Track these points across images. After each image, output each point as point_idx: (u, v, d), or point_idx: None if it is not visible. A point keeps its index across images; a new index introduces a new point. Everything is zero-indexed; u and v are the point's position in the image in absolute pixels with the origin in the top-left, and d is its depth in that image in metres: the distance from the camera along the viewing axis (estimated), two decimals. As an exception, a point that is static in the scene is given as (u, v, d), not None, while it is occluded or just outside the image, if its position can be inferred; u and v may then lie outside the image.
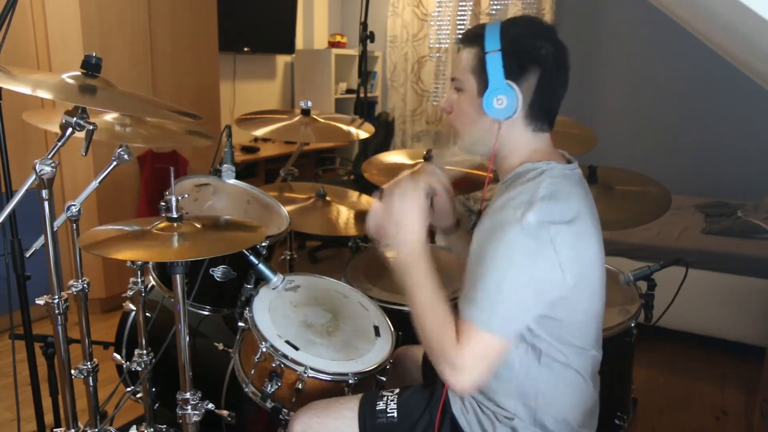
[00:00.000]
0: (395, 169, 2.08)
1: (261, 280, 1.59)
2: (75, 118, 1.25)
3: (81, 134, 1.28)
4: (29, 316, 1.64)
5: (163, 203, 1.32)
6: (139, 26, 3.11)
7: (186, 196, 1.61)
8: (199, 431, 1.37)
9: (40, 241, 1.44)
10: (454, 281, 1.90)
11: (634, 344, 1.75)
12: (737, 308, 2.76)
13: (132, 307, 1.75)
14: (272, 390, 1.38)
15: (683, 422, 2.34)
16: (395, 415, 1.21)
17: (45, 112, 1.87)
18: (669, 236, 3.03)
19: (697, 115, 3.99)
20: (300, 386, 1.37)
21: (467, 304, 1.02)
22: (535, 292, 1.01)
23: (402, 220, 1.08)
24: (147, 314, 1.70)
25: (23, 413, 1.97)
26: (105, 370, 1.85)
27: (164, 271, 1.61)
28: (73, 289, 1.51)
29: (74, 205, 1.43)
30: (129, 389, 1.79)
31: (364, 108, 3.00)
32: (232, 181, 1.78)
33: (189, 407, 1.33)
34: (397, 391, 1.26)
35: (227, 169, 1.77)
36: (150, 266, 1.68)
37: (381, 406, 1.23)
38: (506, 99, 1.04)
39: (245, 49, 4.35)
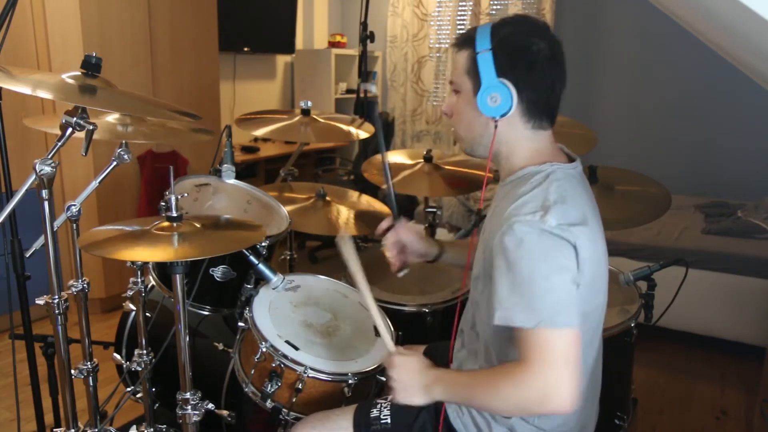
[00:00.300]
0: (395, 169, 2.08)
1: (261, 280, 1.59)
2: (75, 118, 1.25)
3: (81, 134, 1.28)
4: (29, 316, 1.64)
5: (163, 203, 1.32)
6: (139, 26, 3.11)
7: (186, 195, 1.61)
8: (199, 431, 1.37)
9: (40, 241, 1.44)
10: (454, 281, 1.91)
11: (634, 344, 1.75)
12: (737, 308, 2.76)
13: (132, 307, 1.75)
14: (272, 390, 1.38)
15: (683, 422, 2.34)
16: (389, 421, 1.21)
17: (45, 119, 1.87)
18: (669, 236, 3.03)
19: (697, 115, 3.99)
20: (300, 386, 1.37)
21: (520, 312, 0.95)
22: (575, 282, 0.98)
23: (409, 390, 1.11)
24: (147, 314, 1.70)
25: (23, 413, 1.97)
26: (105, 370, 1.85)
27: (164, 271, 1.61)
28: (73, 289, 1.51)
29: (74, 205, 1.43)
30: (129, 389, 1.79)
31: (364, 108, 3.00)
32: (232, 181, 1.78)
33: (189, 407, 1.33)
34: (390, 397, 1.26)
35: (227, 169, 1.77)
36: (150, 266, 1.68)
37: (375, 413, 1.23)
38: (500, 96, 1.05)
39: (245, 49, 4.35)
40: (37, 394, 1.70)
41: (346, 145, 5.10)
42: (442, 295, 1.82)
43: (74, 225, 1.47)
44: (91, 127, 1.26)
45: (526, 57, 1.05)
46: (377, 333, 1.55)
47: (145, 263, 1.67)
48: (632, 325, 1.70)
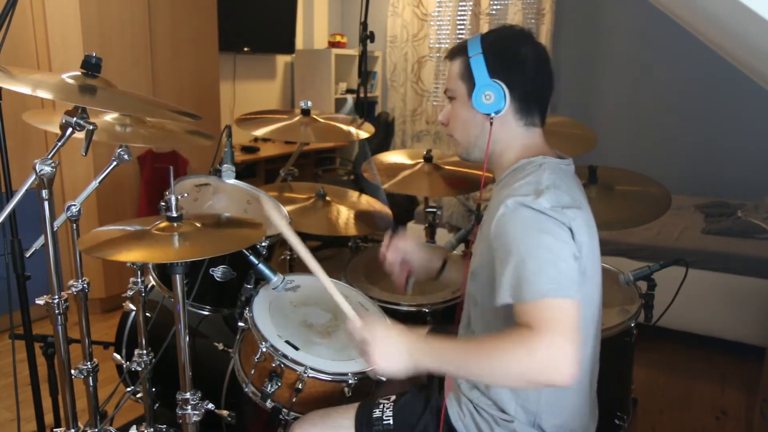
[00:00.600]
0: (395, 169, 2.08)
1: (261, 280, 1.59)
2: (75, 118, 1.25)
3: (81, 134, 1.28)
4: (29, 316, 1.64)
5: (163, 203, 1.32)
6: (139, 26, 3.11)
7: (186, 195, 1.61)
8: (199, 431, 1.37)
9: (40, 241, 1.44)
10: (454, 281, 1.91)
11: (634, 344, 1.75)
12: (737, 308, 2.76)
13: (132, 307, 1.75)
14: (272, 390, 1.38)
15: (683, 422, 2.34)
16: (391, 422, 1.21)
17: (45, 113, 1.87)
18: (669, 236, 3.03)
19: (697, 115, 3.99)
20: (300, 386, 1.37)
21: (525, 285, 0.94)
22: (572, 254, 0.98)
23: (390, 356, 1.02)
24: (147, 314, 1.70)
25: (23, 413, 1.97)
26: (105, 370, 1.85)
27: (164, 271, 1.61)
28: (73, 289, 1.51)
29: (74, 205, 1.43)
30: (129, 389, 1.79)
31: (364, 108, 3.00)
32: (232, 181, 1.78)
33: (189, 407, 1.33)
34: (393, 398, 1.26)
35: (227, 169, 1.77)
36: (150, 266, 1.68)
37: (377, 414, 1.23)
38: (493, 94, 1.11)
39: (245, 49, 4.35)
40: (37, 394, 1.70)
41: (346, 145, 5.10)
42: (442, 295, 1.82)
43: (74, 225, 1.47)
44: (91, 127, 1.26)
45: (515, 58, 1.13)
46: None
47: (145, 263, 1.67)
48: (632, 325, 1.70)
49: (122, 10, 3.01)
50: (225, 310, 1.67)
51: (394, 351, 1.01)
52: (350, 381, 1.39)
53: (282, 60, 4.95)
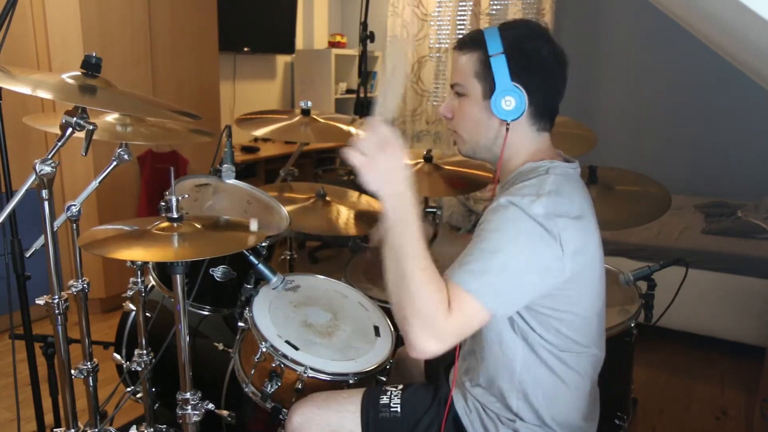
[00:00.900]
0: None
1: (261, 280, 1.59)
2: (75, 118, 1.25)
3: (81, 134, 1.28)
4: (29, 316, 1.64)
5: (163, 203, 1.32)
6: (139, 26, 3.11)
7: (186, 196, 1.61)
8: (199, 431, 1.37)
9: (40, 241, 1.44)
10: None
11: (634, 344, 1.75)
12: (737, 308, 2.76)
13: (132, 307, 1.75)
14: (272, 390, 1.38)
15: (683, 422, 2.34)
16: (399, 410, 1.21)
17: (45, 117, 1.87)
18: (669, 236, 3.03)
19: (697, 115, 3.99)
20: (300, 386, 1.37)
21: (467, 273, 0.98)
22: (536, 277, 1.00)
23: (386, 172, 1.01)
24: (147, 314, 1.70)
25: (23, 413, 1.97)
26: (105, 370, 1.85)
27: (164, 271, 1.61)
28: (73, 289, 1.51)
29: (74, 205, 1.43)
30: (129, 389, 1.79)
31: (364, 108, 3.00)
32: (232, 181, 1.78)
33: (189, 407, 1.33)
34: (401, 386, 1.26)
35: (227, 169, 1.77)
36: (150, 266, 1.68)
37: (384, 400, 1.23)
38: (514, 100, 1.06)
39: (245, 49, 4.35)
40: (37, 394, 1.70)
41: (346, 145, 5.10)
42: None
43: (74, 225, 1.47)
44: (91, 127, 1.26)
45: (538, 61, 1.08)
46: (377, 333, 1.56)
47: (145, 263, 1.67)
48: (632, 325, 1.70)
49: (122, 10, 3.01)
50: (225, 310, 1.67)
51: (394, 179, 1.00)
52: (350, 381, 1.39)
53: (282, 60, 4.95)
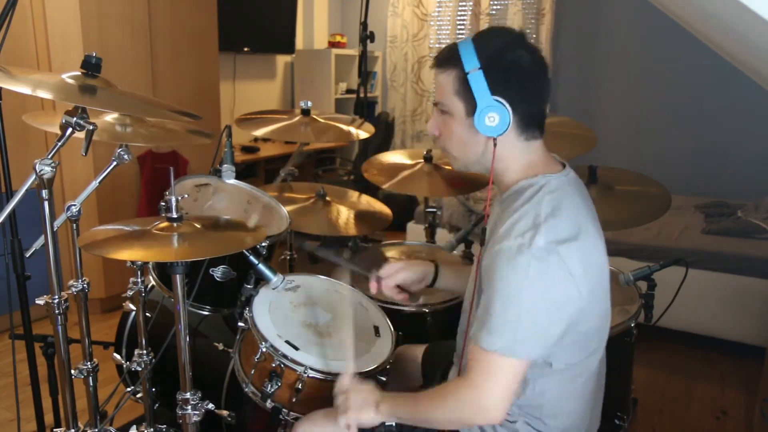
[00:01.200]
0: (395, 169, 2.08)
1: (261, 280, 1.59)
2: (75, 118, 1.24)
3: (81, 134, 1.28)
4: (29, 316, 1.64)
5: (163, 203, 1.32)
6: (139, 26, 3.11)
7: (186, 196, 1.61)
8: (199, 431, 1.37)
9: (40, 241, 1.44)
10: (463, 277, 1.90)
11: (634, 344, 1.75)
12: (737, 308, 2.76)
13: (132, 307, 1.75)
14: (272, 390, 1.38)
15: (683, 422, 2.34)
16: (394, 423, 1.21)
17: (45, 115, 1.87)
18: (669, 236, 3.03)
19: (697, 115, 3.99)
20: (300, 386, 1.37)
21: (486, 333, 1.00)
22: (556, 312, 1.00)
23: (362, 407, 1.15)
24: (147, 314, 1.70)
25: (23, 413, 1.97)
26: (105, 370, 1.85)
27: (164, 271, 1.61)
28: (73, 289, 1.51)
29: (74, 205, 1.43)
30: (129, 389, 1.79)
31: (364, 108, 3.00)
32: (232, 181, 1.78)
33: (189, 407, 1.33)
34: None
35: (227, 169, 1.77)
36: (150, 266, 1.68)
37: None
38: (497, 115, 1.03)
39: (245, 49, 4.35)
40: (37, 394, 1.70)
41: (346, 145, 5.10)
42: (442, 296, 1.82)
43: (74, 225, 1.47)
44: (91, 127, 1.26)
45: (518, 72, 1.05)
46: (377, 333, 1.56)
47: (145, 263, 1.66)
48: (632, 325, 1.70)
49: (122, 10, 3.01)
50: (225, 310, 1.67)
51: (366, 404, 1.14)
52: (350, 381, 1.39)
53: (282, 60, 4.95)
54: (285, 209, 1.81)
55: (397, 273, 1.37)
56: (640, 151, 4.19)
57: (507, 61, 1.04)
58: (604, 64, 4.25)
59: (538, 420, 1.11)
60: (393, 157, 2.22)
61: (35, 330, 1.66)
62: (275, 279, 1.56)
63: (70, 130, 1.25)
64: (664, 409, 2.43)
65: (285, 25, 4.70)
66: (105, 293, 3.11)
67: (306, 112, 2.14)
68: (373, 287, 1.39)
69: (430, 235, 2.34)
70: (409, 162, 2.14)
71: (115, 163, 1.56)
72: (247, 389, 1.46)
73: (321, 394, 1.39)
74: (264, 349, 1.40)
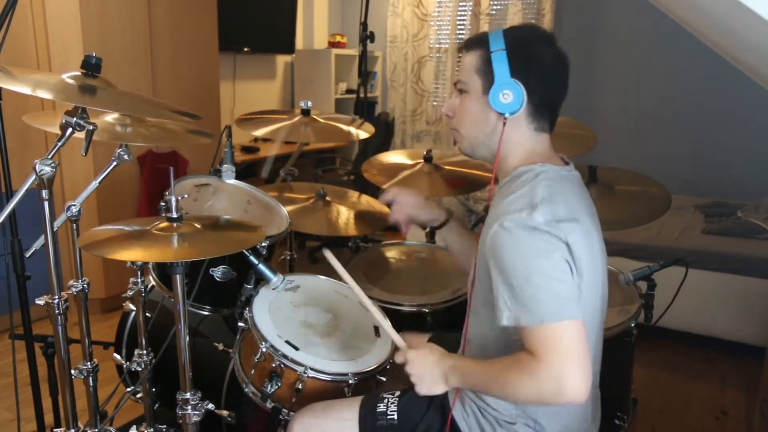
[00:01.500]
0: (395, 169, 2.08)
1: (261, 280, 1.59)
2: (75, 118, 1.25)
3: (81, 134, 1.28)
4: (29, 316, 1.64)
5: (163, 203, 1.32)
6: (139, 26, 3.11)
7: (186, 196, 1.61)
8: (199, 431, 1.37)
9: (40, 241, 1.44)
10: (453, 281, 1.91)
11: (634, 344, 1.75)
12: (737, 308, 2.76)
13: (132, 307, 1.75)
14: (272, 390, 1.38)
15: (683, 422, 2.34)
16: (395, 417, 1.21)
17: (45, 115, 1.87)
18: (669, 236, 3.03)
19: (697, 115, 3.99)
20: (300, 386, 1.37)
21: (523, 312, 0.96)
22: (570, 269, 0.99)
23: (430, 382, 1.13)
24: (147, 314, 1.70)
25: (23, 413, 1.97)
26: (105, 370, 1.85)
27: (164, 271, 1.61)
28: (73, 289, 1.51)
29: (74, 205, 1.43)
30: (129, 389, 1.79)
31: (364, 108, 3.00)
32: (232, 181, 1.78)
33: (189, 407, 1.33)
34: (398, 393, 1.26)
35: (227, 169, 1.77)
36: (150, 266, 1.68)
37: (381, 408, 1.23)
38: (512, 93, 1.07)
39: (245, 49, 4.35)
40: (37, 394, 1.70)
41: (346, 145, 5.10)
42: (442, 295, 1.82)
43: (74, 225, 1.47)
44: (91, 127, 1.26)
45: (538, 61, 1.09)
46: (377, 333, 1.56)
47: (145, 263, 1.66)
48: (632, 325, 1.70)
49: (122, 10, 3.01)
50: (225, 310, 1.67)
51: (434, 378, 1.12)
52: (350, 381, 1.39)
53: (282, 60, 4.95)
54: (285, 209, 1.81)
55: (410, 206, 1.50)
56: (640, 151, 4.19)
57: (530, 50, 1.09)
58: (604, 64, 4.25)
59: (536, 422, 1.11)
60: (393, 157, 2.22)
61: (35, 330, 1.66)
62: (275, 279, 1.56)
63: (70, 130, 1.25)
64: (664, 409, 2.43)
65: (285, 25, 4.70)
66: (105, 293, 3.11)
67: (306, 112, 2.14)
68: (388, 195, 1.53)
69: (430, 235, 2.34)
70: (409, 162, 2.14)
71: (115, 163, 1.56)
72: (247, 389, 1.46)
73: (321, 394, 1.39)
74: (264, 349, 1.40)
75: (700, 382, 2.63)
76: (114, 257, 1.19)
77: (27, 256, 1.56)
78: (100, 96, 1.28)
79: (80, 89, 1.26)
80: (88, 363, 1.58)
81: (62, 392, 1.46)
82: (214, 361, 1.71)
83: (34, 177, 1.22)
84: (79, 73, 1.31)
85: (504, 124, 1.10)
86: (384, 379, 1.45)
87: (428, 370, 1.13)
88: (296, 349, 1.42)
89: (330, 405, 1.28)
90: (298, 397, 1.38)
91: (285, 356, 1.39)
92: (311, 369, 1.37)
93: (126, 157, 1.56)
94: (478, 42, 1.13)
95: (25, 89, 1.18)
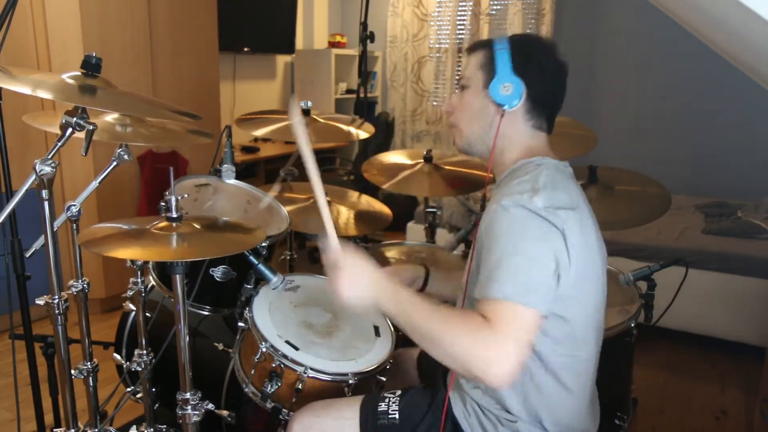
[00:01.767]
0: (395, 169, 2.08)
1: (261, 280, 1.59)
2: (75, 118, 1.24)
3: (81, 134, 1.28)
4: (29, 316, 1.64)
5: (163, 203, 1.32)
6: (139, 26, 3.11)
7: (186, 196, 1.61)
8: (199, 431, 1.37)
9: (40, 241, 1.44)
10: (454, 281, 1.91)
11: (634, 344, 1.75)
12: (737, 308, 2.76)
13: (132, 307, 1.75)
14: (272, 390, 1.38)
15: (683, 422, 2.34)
16: (397, 416, 1.21)
17: (45, 115, 1.87)
18: (669, 236, 3.03)
19: (697, 115, 3.99)
20: (300, 386, 1.37)
21: (494, 283, 0.96)
22: (555, 267, 0.99)
23: (355, 282, 1.05)
24: (147, 314, 1.70)
25: (23, 413, 1.97)
26: (105, 370, 1.85)
27: (164, 271, 1.61)
28: (73, 289, 1.51)
29: (74, 205, 1.43)
30: (129, 389, 1.79)
31: (364, 108, 3.00)
32: (232, 182, 1.78)
33: (189, 407, 1.33)
34: (399, 392, 1.26)
35: (227, 169, 1.77)
36: (150, 266, 1.68)
37: (383, 407, 1.23)
38: (512, 86, 1.11)
39: (245, 49, 4.35)
40: (37, 394, 1.70)
41: (346, 145, 5.10)
42: (442, 296, 1.82)
43: (74, 225, 1.47)
44: (91, 127, 1.26)
45: (539, 62, 1.13)
46: (377, 333, 1.56)
47: (145, 263, 1.67)
48: (632, 325, 1.70)
49: (122, 10, 3.01)
50: (225, 310, 1.67)
51: (360, 280, 1.04)
52: (350, 381, 1.39)
53: (282, 60, 4.95)
54: (285, 209, 1.81)
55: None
56: (640, 151, 4.20)
57: (532, 53, 1.14)
58: (604, 65, 4.25)
59: (538, 421, 1.11)
60: (393, 157, 2.22)
61: (35, 330, 1.66)
62: (275, 279, 1.56)
63: (70, 130, 1.25)
64: (664, 409, 2.43)
65: (285, 25, 4.70)
66: (105, 293, 3.11)
67: (306, 112, 2.14)
68: None
69: (430, 235, 2.34)
70: (409, 162, 2.14)
71: (115, 163, 1.56)
72: (247, 389, 1.46)
73: (321, 394, 1.39)
74: (264, 349, 1.40)
75: (700, 382, 2.63)
76: (113, 255, 1.19)
77: (27, 256, 1.56)
78: (100, 96, 1.28)
79: (80, 89, 1.26)
80: (88, 363, 1.58)
81: (62, 392, 1.46)
82: (214, 361, 1.71)
83: (34, 177, 1.22)
84: (79, 73, 1.31)
85: (502, 116, 1.13)
86: (384, 379, 1.45)
87: (361, 269, 1.04)
88: (296, 349, 1.42)
89: (330, 404, 1.28)
90: (298, 397, 1.38)
91: (285, 356, 1.39)
92: (311, 369, 1.37)
93: (126, 157, 1.56)
94: (482, 44, 1.17)
95: (25, 89, 1.18)
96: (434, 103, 4.96)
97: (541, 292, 0.97)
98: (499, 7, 4.56)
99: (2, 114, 1.52)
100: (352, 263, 1.05)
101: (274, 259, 1.89)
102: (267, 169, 4.22)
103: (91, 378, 1.58)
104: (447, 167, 2.08)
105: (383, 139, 4.91)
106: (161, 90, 3.27)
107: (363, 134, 2.14)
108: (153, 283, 1.68)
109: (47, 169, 1.23)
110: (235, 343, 1.57)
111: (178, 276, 1.26)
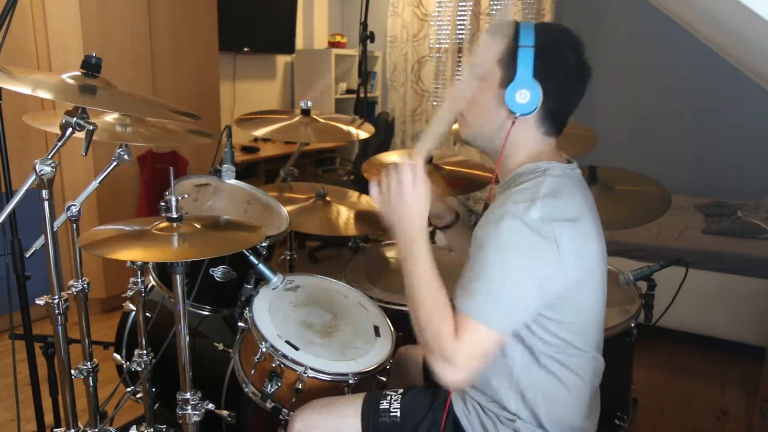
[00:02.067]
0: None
1: (261, 280, 1.59)
2: (75, 118, 1.24)
3: (81, 134, 1.28)
4: (29, 316, 1.64)
5: (163, 203, 1.32)
6: (139, 26, 3.11)
7: (186, 196, 1.61)
8: (199, 431, 1.37)
9: (40, 241, 1.44)
10: (455, 281, 1.91)
11: (634, 344, 1.75)
12: (737, 308, 2.76)
13: (132, 307, 1.75)
14: (272, 390, 1.38)
15: (683, 422, 2.34)
16: (398, 414, 1.21)
17: (45, 115, 1.87)
18: (669, 236, 3.03)
19: (697, 115, 3.99)
20: (300, 386, 1.37)
21: (466, 296, 0.99)
22: (537, 288, 1.00)
23: (404, 214, 1.03)
24: (147, 314, 1.70)
25: (23, 413, 1.97)
26: (105, 370, 1.85)
27: (164, 271, 1.61)
28: (73, 289, 1.51)
29: (74, 205, 1.43)
30: (129, 389, 1.79)
31: (364, 108, 3.00)
32: (232, 181, 1.78)
33: (189, 407, 1.33)
34: (400, 390, 1.26)
35: (227, 169, 1.77)
36: (150, 266, 1.68)
37: (384, 405, 1.23)
38: (530, 95, 1.05)
39: (245, 49, 4.35)
40: (37, 394, 1.70)
41: (346, 145, 5.10)
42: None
43: (74, 225, 1.47)
44: (91, 127, 1.26)
45: (562, 68, 1.07)
46: (377, 333, 1.56)
47: (145, 263, 1.66)
48: (632, 325, 1.70)
49: (122, 10, 3.01)
50: (225, 310, 1.67)
51: (410, 204, 1.02)
52: (350, 381, 1.39)
53: (282, 60, 4.95)
54: (285, 209, 1.81)
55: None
56: (640, 151, 4.19)
57: (558, 55, 1.07)
58: (604, 64, 4.25)
59: (537, 419, 1.11)
60: (393, 157, 2.22)
61: (35, 330, 1.66)
62: (275, 279, 1.56)
63: (70, 130, 1.25)
64: (664, 409, 2.43)
65: (285, 25, 4.70)
66: (105, 293, 3.11)
67: (306, 112, 2.14)
68: None
69: (430, 235, 2.33)
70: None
71: (115, 163, 1.56)
72: (247, 389, 1.46)
73: (321, 394, 1.39)
74: (264, 349, 1.40)
75: (700, 382, 2.63)
76: (114, 257, 1.19)
77: (27, 256, 1.56)
78: (100, 96, 1.28)
79: (80, 89, 1.26)
80: (88, 363, 1.58)
81: (62, 392, 1.46)
82: (214, 361, 1.71)
83: (34, 177, 1.22)
84: (79, 73, 1.31)
85: (513, 122, 1.08)
86: (384, 379, 1.45)
87: (416, 196, 1.02)
88: (296, 349, 1.43)
89: (332, 401, 1.27)
90: (298, 397, 1.38)
91: (285, 356, 1.39)
92: (311, 369, 1.37)
93: (126, 157, 1.56)
94: (507, 30, 1.07)
95: (25, 89, 1.18)
96: (434, 103, 4.96)
97: (509, 315, 0.99)
98: (499, 7, 4.56)
99: (2, 114, 1.52)
100: (419, 187, 1.02)
101: (274, 259, 1.89)
102: (267, 169, 4.23)
103: (91, 378, 1.58)
104: (447, 167, 2.08)
105: (383, 139, 4.91)
106: (161, 90, 3.27)
107: (363, 134, 2.14)
108: (153, 283, 1.68)
109: (47, 169, 1.23)
110: (235, 343, 1.57)
111: (178, 276, 1.26)
